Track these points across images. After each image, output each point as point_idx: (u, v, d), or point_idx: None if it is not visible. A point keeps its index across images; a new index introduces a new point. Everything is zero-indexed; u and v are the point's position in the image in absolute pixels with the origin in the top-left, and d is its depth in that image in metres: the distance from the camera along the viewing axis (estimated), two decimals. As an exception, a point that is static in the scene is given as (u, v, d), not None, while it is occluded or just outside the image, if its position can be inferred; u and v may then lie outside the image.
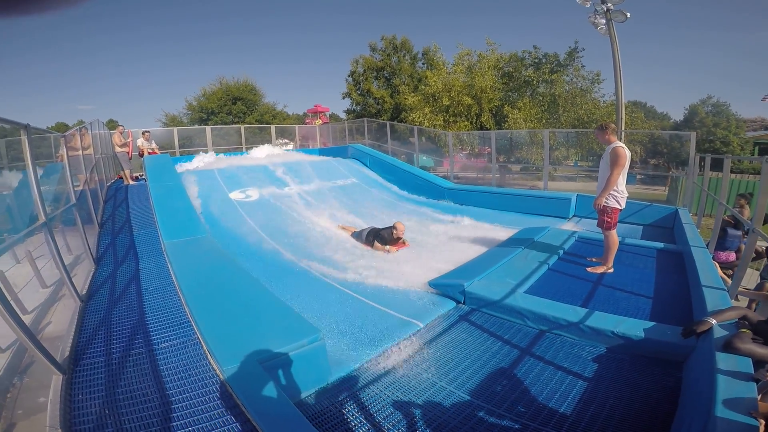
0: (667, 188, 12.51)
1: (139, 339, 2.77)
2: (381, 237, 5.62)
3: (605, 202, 3.96)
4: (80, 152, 5.60)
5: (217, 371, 2.34)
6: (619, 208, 3.98)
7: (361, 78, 24.40)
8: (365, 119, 14.35)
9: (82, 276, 3.89)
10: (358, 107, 24.92)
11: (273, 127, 15.88)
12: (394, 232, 5.57)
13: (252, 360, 2.23)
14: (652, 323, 2.82)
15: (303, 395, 2.38)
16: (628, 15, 11.08)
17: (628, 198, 4.05)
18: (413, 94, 19.05)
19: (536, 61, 16.38)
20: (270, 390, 2.03)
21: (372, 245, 5.63)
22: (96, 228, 5.44)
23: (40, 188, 3.11)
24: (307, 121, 24.50)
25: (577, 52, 15.61)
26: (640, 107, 28.02)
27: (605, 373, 2.55)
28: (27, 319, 2.87)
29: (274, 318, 2.73)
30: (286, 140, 15.86)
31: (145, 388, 2.24)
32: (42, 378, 2.22)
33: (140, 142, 9.92)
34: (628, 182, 4.02)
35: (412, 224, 6.90)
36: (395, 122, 17.12)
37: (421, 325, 3.29)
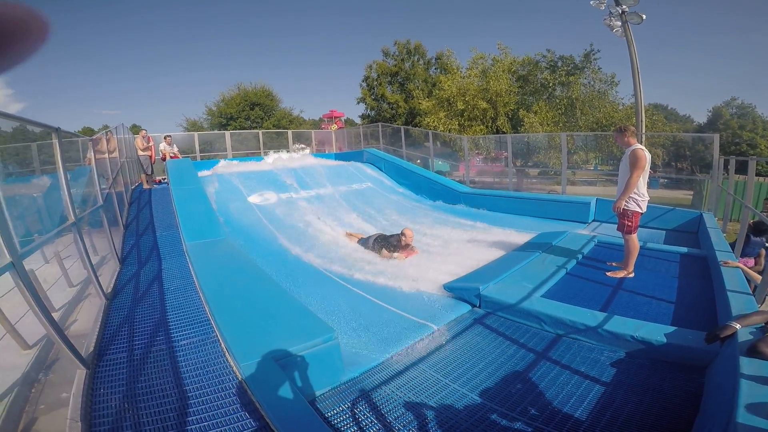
0: (692, 192, 12.10)
1: (161, 336, 2.86)
2: (389, 243, 5.43)
3: (625, 205, 3.88)
4: (107, 156, 5.84)
5: (234, 369, 2.39)
6: (640, 211, 3.89)
7: (375, 83, 24.59)
8: (380, 124, 14.44)
9: (108, 275, 4.05)
10: (373, 112, 25.07)
11: (290, 132, 16.18)
12: (403, 239, 5.34)
13: (268, 358, 2.27)
14: (674, 328, 2.76)
15: (317, 394, 2.41)
16: (644, 17, 10.88)
17: (649, 202, 3.97)
18: (427, 99, 19.04)
19: (552, 64, 16.18)
20: (285, 388, 2.06)
21: (379, 252, 5.44)
22: (121, 229, 5.66)
23: (70, 190, 3.26)
24: (323, 126, 24.81)
25: (594, 54, 15.34)
26: (661, 110, 27.24)
27: (623, 378, 2.50)
28: (55, 316, 3.00)
29: (290, 317, 2.78)
30: (303, 145, 16.10)
31: (163, 384, 2.31)
32: (66, 373, 2.32)
33: (162, 146, 10.25)
34: (650, 186, 3.95)
35: (428, 228, 6.89)
36: (410, 127, 17.14)
37: (435, 328, 3.29)
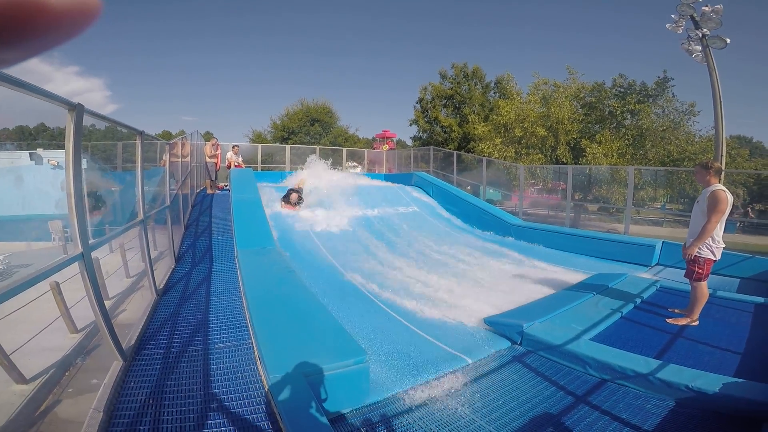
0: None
1: (199, 337, 2.95)
2: (285, 197, 7.43)
3: (698, 252, 3.55)
4: (180, 160, 6.37)
5: (263, 378, 2.39)
6: (714, 259, 3.54)
7: (429, 105, 24.61)
8: (431, 147, 14.38)
9: (163, 271, 4.32)
10: (425, 134, 25.07)
11: (345, 150, 16.71)
12: (291, 195, 7.53)
13: (297, 372, 2.25)
14: (737, 380, 2.55)
15: (337, 412, 2.36)
16: (728, 41, 9.88)
17: (725, 248, 3.58)
18: (483, 124, 18.68)
19: (621, 90, 15.15)
20: (308, 404, 2.03)
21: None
22: (182, 229, 6.08)
23: (143, 190, 3.55)
24: (375, 145, 25.35)
25: (668, 82, 14.16)
26: (745, 143, 24.34)
27: (668, 427, 2.32)
28: (107, 304, 3.21)
29: (325, 334, 2.77)
30: (355, 163, 16.55)
31: (191, 385, 2.36)
32: (103, 362, 2.43)
33: (229, 155, 11.04)
34: (726, 230, 3.56)
35: (474, 259, 6.62)
36: (462, 152, 16.89)
37: (470, 361, 3.16)
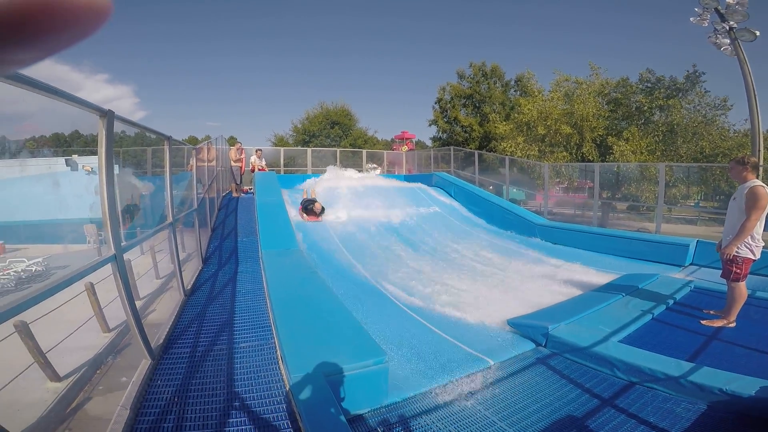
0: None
1: (224, 336, 3.01)
2: (306, 208, 7.16)
3: (736, 251, 3.38)
4: (206, 164, 6.56)
5: (284, 378, 2.42)
6: (753, 258, 3.37)
7: (449, 105, 24.33)
8: (451, 147, 14.20)
9: (191, 272, 4.44)
10: (445, 135, 24.81)
11: (364, 151, 16.79)
12: (315, 206, 7.23)
13: (318, 372, 2.27)
14: None
15: (356, 412, 2.36)
16: (758, 33, 9.32)
17: (764, 248, 3.42)
18: (504, 123, 18.31)
19: (649, 86, 14.51)
20: (328, 404, 2.04)
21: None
22: (209, 232, 6.25)
23: (172, 193, 3.66)
24: (394, 147, 25.32)
25: (698, 76, 13.46)
26: None
27: (698, 431, 2.24)
28: (138, 305, 3.32)
29: (345, 334, 2.78)
30: (375, 165, 16.58)
31: (215, 384, 2.41)
32: (132, 360, 2.51)
33: (253, 158, 11.30)
34: (766, 228, 3.37)
35: (497, 259, 6.48)
36: (483, 152, 16.59)
37: (492, 363, 3.10)
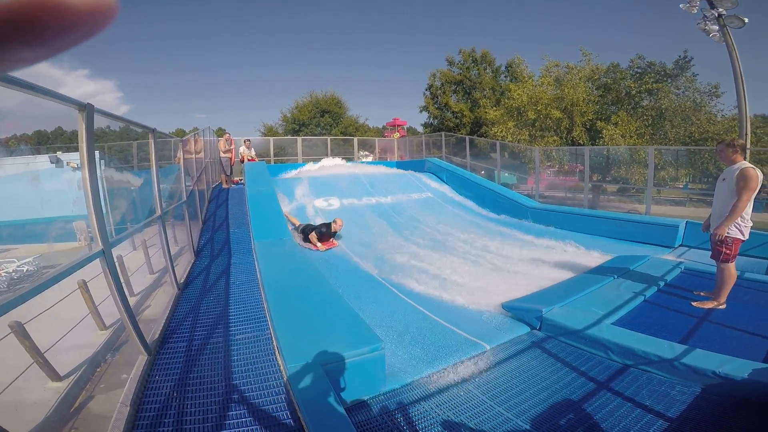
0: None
1: (219, 329, 3.01)
2: (320, 232, 5.71)
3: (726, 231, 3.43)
4: (194, 156, 6.45)
5: (281, 368, 2.43)
6: (742, 239, 3.43)
7: (439, 91, 24.28)
8: (443, 133, 14.16)
9: (183, 266, 4.41)
10: (436, 121, 24.75)
11: (356, 139, 16.64)
12: (333, 225, 5.63)
13: (315, 361, 2.28)
14: (767, 365, 2.47)
15: (354, 401, 2.39)
16: (746, 20, 9.40)
17: (752, 228, 3.46)
18: (495, 108, 18.32)
19: (639, 71, 14.64)
20: (325, 393, 2.06)
21: (306, 240, 5.70)
22: (200, 224, 6.19)
23: (159, 186, 3.60)
24: (386, 134, 25.12)
25: (688, 62, 13.60)
26: None
27: (693, 415, 2.27)
28: (132, 301, 3.29)
29: (341, 322, 2.79)
30: (367, 152, 16.47)
31: (213, 377, 2.42)
32: (130, 357, 2.50)
33: (242, 149, 11.14)
34: (753, 209, 3.42)
35: (490, 243, 6.53)
36: (475, 137, 16.57)
37: (488, 347, 3.14)
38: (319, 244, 5.57)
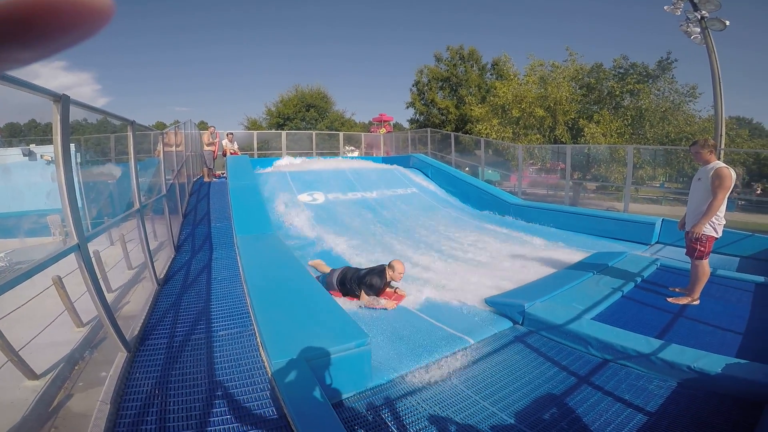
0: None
1: (201, 325, 2.97)
2: (370, 284, 3.85)
3: None
4: (173, 149, 6.30)
5: (266, 364, 2.42)
6: (716, 236, 3.56)
7: (426, 88, 24.41)
8: (428, 129, 14.24)
9: (163, 261, 4.33)
10: (422, 117, 24.90)
11: (341, 134, 16.53)
12: (389, 272, 3.87)
13: (300, 357, 2.27)
14: (739, 360, 2.56)
15: (341, 397, 2.39)
16: (727, 23, 9.76)
17: (725, 226, 3.60)
18: (480, 105, 18.51)
19: (621, 72, 15.02)
20: (311, 389, 2.06)
21: (357, 296, 3.91)
22: (180, 218, 6.06)
23: (138, 179, 3.52)
24: (372, 129, 25.04)
25: (670, 63, 14.03)
26: (745, 124, 24.28)
27: (671, 409, 2.34)
28: (110, 297, 3.20)
29: (326, 318, 2.78)
30: (353, 147, 16.40)
31: (196, 373, 2.38)
32: (109, 354, 2.45)
33: (225, 142, 10.92)
34: (726, 208, 3.56)
35: (473, 239, 6.63)
36: (460, 133, 16.72)
37: (472, 342, 3.19)
38: (383, 302, 3.78)
